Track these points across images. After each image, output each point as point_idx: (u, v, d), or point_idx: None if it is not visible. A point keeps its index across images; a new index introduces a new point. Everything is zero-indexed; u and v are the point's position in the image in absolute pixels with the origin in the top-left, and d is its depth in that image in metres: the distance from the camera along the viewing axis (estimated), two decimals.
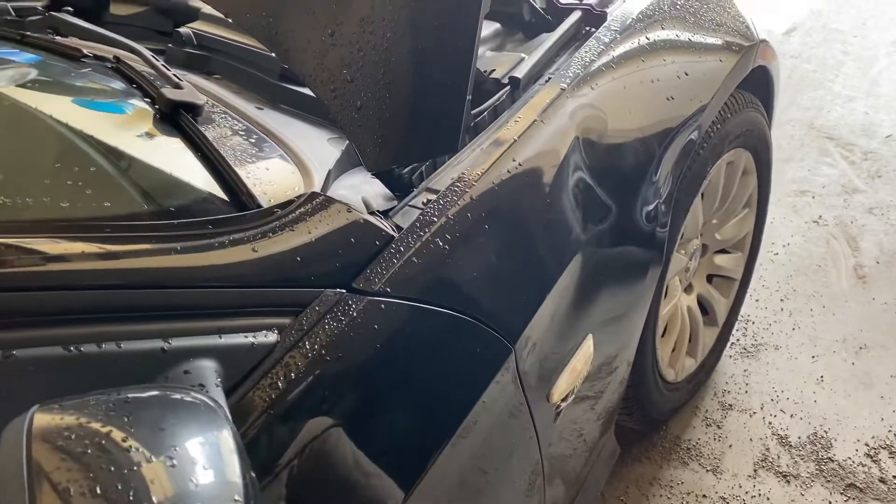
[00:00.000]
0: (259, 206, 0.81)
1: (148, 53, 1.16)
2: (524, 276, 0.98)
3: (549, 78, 1.15)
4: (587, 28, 1.29)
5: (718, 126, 1.42)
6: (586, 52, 1.18)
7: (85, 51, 1.17)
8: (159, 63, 1.12)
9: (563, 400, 1.08)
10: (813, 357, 1.90)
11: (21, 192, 0.73)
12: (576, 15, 1.28)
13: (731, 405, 1.82)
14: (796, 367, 1.88)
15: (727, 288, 1.84)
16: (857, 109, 2.64)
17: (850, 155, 2.47)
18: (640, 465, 1.71)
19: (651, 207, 1.21)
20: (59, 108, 0.98)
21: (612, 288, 1.17)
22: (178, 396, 0.54)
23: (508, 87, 1.13)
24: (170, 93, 0.99)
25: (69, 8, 1.49)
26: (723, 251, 1.81)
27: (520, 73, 1.13)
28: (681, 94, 1.27)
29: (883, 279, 2.05)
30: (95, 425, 0.47)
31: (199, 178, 0.85)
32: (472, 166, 0.96)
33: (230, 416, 0.59)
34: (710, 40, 1.40)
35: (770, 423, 1.76)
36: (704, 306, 1.80)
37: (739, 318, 1.96)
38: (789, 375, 1.86)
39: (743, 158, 1.64)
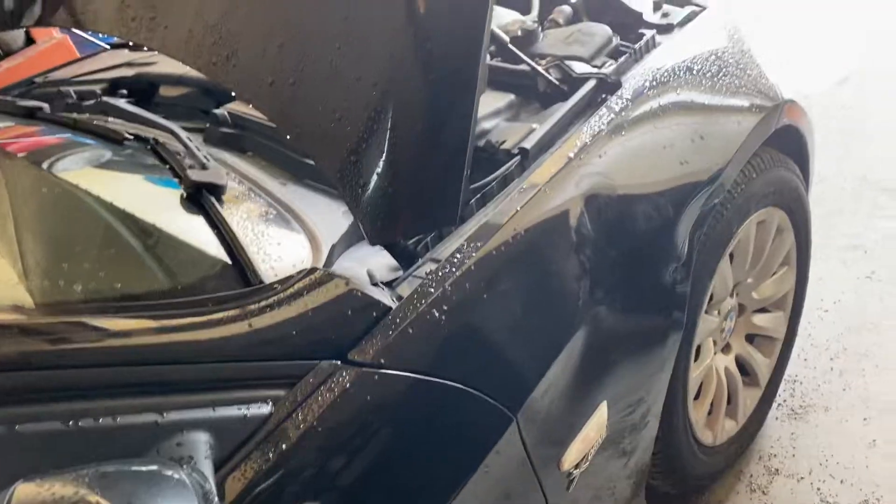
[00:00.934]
0: (262, 281, 0.86)
1: (184, 135, 1.25)
2: (526, 345, 0.99)
3: (559, 147, 1.18)
4: (602, 96, 1.32)
5: (742, 187, 1.42)
6: (596, 120, 1.21)
7: (127, 133, 1.27)
8: (192, 144, 1.21)
9: (575, 467, 1.08)
10: (864, 419, 1.81)
11: (35, 271, 0.80)
12: (590, 84, 1.31)
13: (777, 469, 1.75)
14: (847, 429, 1.80)
15: (769, 347, 1.80)
16: None
17: None
18: None
19: (667, 272, 1.21)
20: (93, 187, 1.06)
21: (626, 354, 1.17)
22: (153, 469, 0.58)
23: (518, 157, 1.17)
24: (195, 174, 1.07)
25: (124, 91, 1.63)
26: (763, 310, 1.77)
27: (529, 143, 1.17)
28: (695, 157, 1.28)
29: None
30: (69, 498, 0.51)
31: (211, 256, 0.91)
32: (474, 237, 0.99)
33: (214, 489, 0.63)
34: (728, 102, 1.41)
35: (819, 489, 1.69)
36: (745, 367, 1.76)
37: (786, 377, 1.90)
38: (839, 439, 1.78)
39: (776, 217, 1.62)
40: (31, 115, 1.50)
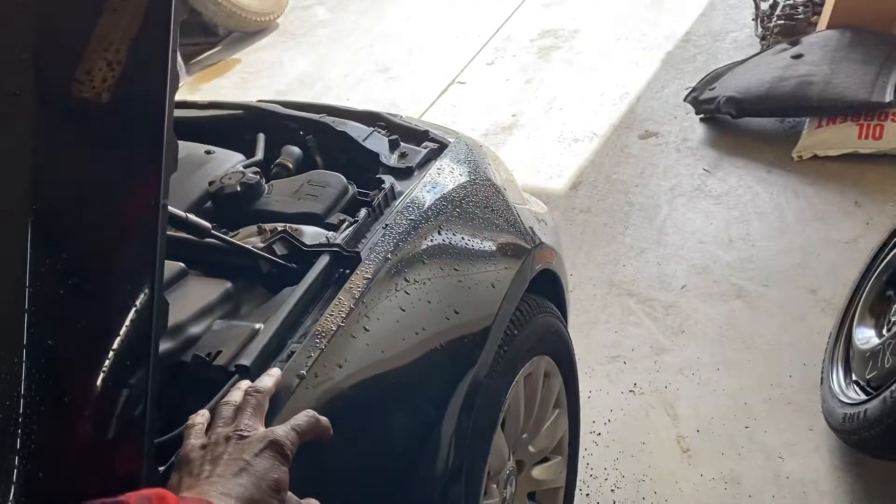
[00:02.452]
0: None
1: None
2: None
3: (291, 353, 0.93)
4: (341, 270, 1.10)
5: (506, 348, 1.27)
6: (333, 314, 0.99)
7: None
8: None
9: None
10: None
11: None
12: (324, 260, 1.09)
13: None
14: None
15: (552, 498, 1.67)
16: (650, 261, 2.69)
17: (652, 311, 2.46)
18: None
19: (439, 484, 1.01)
20: None
21: None
22: None
23: (236, 377, 0.90)
24: None
25: None
26: (543, 460, 1.64)
27: (249, 357, 0.91)
28: (454, 335, 1.11)
29: (705, 450, 1.98)
30: None
31: None
32: None
33: None
34: (482, 257, 1.27)
35: None
36: None
37: None
38: None
39: (542, 364, 1.50)
40: None
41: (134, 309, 0.72)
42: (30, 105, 0.72)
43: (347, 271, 1.08)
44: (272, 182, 1.36)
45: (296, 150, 1.49)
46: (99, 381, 0.69)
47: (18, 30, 0.75)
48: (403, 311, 1.06)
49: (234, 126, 1.58)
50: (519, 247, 1.39)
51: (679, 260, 2.68)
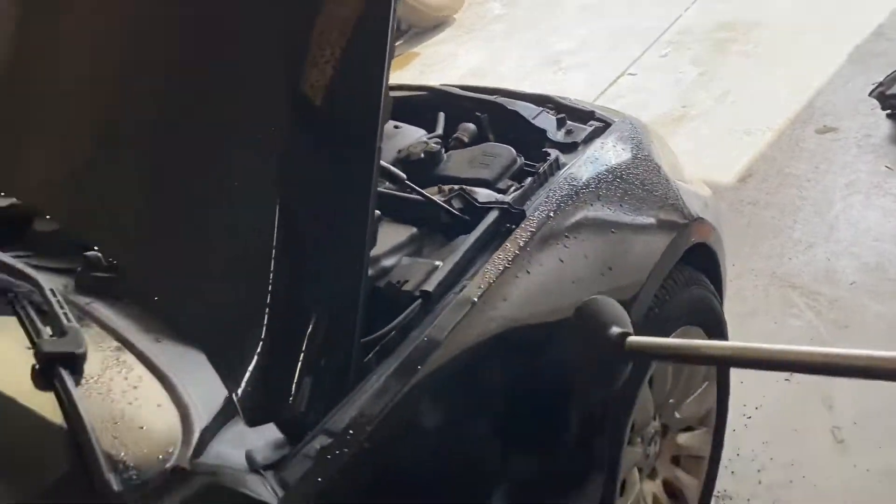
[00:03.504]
0: (112, 491, 0.73)
1: (47, 288, 1.12)
2: None
3: (464, 286, 1.10)
4: (507, 226, 1.26)
5: (657, 311, 1.37)
6: (501, 258, 1.15)
7: None
8: (55, 299, 1.08)
9: None
10: None
11: None
12: (493, 215, 1.25)
13: None
14: None
15: (696, 467, 1.73)
16: (818, 256, 2.62)
17: (815, 304, 2.42)
18: None
19: (583, 413, 1.13)
20: None
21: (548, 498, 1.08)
22: None
23: (420, 300, 1.08)
24: (48, 344, 0.93)
25: None
26: (687, 428, 1.71)
27: (431, 285, 1.09)
28: (607, 289, 1.22)
29: (862, 442, 1.94)
30: None
31: (55, 455, 0.78)
32: (375, 399, 0.89)
33: None
34: (636, 227, 1.37)
35: None
36: (673, 490, 1.68)
37: (715, 493, 1.84)
38: None
39: (692, 335, 1.58)
40: None
41: (349, 233, 0.91)
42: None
43: (514, 226, 1.23)
44: (450, 152, 1.54)
45: (471, 126, 1.67)
46: (322, 294, 0.88)
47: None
48: (562, 261, 1.19)
49: (418, 105, 1.77)
50: (675, 219, 1.47)
51: (850, 256, 2.59)
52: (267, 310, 0.84)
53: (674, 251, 1.42)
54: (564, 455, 1.13)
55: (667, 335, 1.44)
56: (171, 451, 0.83)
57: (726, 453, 1.86)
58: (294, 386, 0.86)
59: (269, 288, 0.84)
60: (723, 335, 1.71)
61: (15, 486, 0.75)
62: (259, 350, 0.84)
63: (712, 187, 2.86)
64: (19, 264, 1.20)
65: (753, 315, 2.42)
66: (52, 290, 1.11)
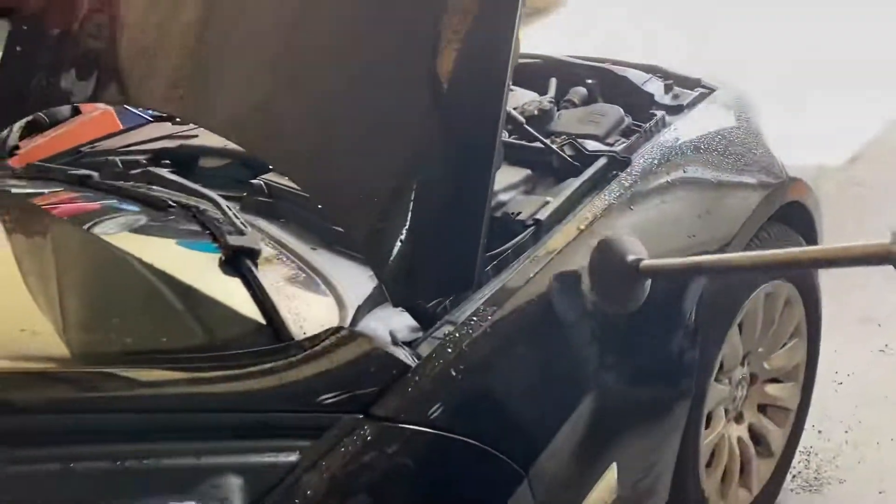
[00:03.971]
0: (292, 338, 0.94)
1: (223, 203, 1.35)
2: (538, 405, 1.05)
3: (571, 219, 1.26)
4: (613, 172, 1.40)
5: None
6: (607, 194, 1.29)
7: (170, 200, 1.37)
8: (231, 211, 1.31)
9: None
10: (880, 492, 1.82)
11: (87, 326, 0.89)
12: (601, 161, 1.40)
13: None
14: (862, 503, 1.80)
15: (782, 418, 1.82)
16: None
17: None
18: None
19: (675, 340, 1.27)
20: (139, 251, 1.15)
21: (635, 418, 1.22)
22: None
23: (532, 228, 1.24)
24: (233, 239, 1.16)
25: (167, 161, 1.74)
26: (775, 380, 1.80)
27: (543, 215, 1.25)
28: (702, 231, 1.35)
29: None
30: None
31: (246, 315, 0.99)
32: (490, 301, 1.06)
33: None
34: (734, 179, 1.48)
35: None
36: (758, 436, 1.78)
37: (801, 449, 1.92)
38: None
39: (784, 291, 1.67)
40: (81, 182, 1.62)
41: (481, 153, 1.07)
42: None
43: (619, 173, 1.38)
44: (560, 112, 1.69)
45: (582, 90, 1.80)
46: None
47: None
48: (663, 203, 1.33)
49: (531, 72, 1.92)
50: (771, 177, 1.57)
51: None
52: (411, 214, 1.02)
53: (768, 205, 1.52)
54: (656, 375, 1.27)
55: (755, 287, 1.54)
56: (330, 321, 1.03)
57: (815, 414, 1.93)
58: (429, 280, 1.04)
59: (415, 195, 1.02)
60: (815, 296, 1.78)
61: (210, 343, 0.96)
62: (403, 247, 1.03)
63: (819, 169, 2.89)
64: (198, 186, 1.44)
65: (852, 289, 2.45)
66: (227, 206, 1.34)
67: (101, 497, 0.69)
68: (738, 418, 1.73)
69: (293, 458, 0.81)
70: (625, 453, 1.19)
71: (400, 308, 1.10)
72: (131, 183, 1.54)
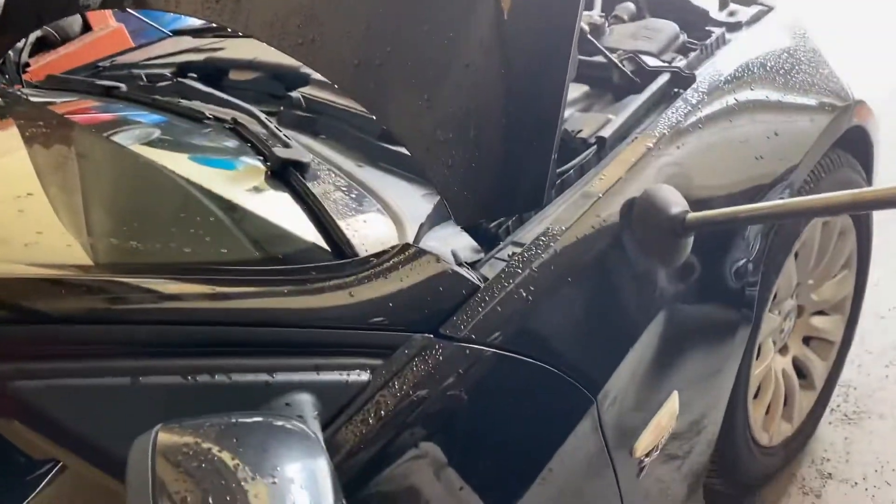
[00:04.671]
0: (356, 255, 0.88)
1: (262, 115, 1.27)
2: (607, 329, 1.00)
3: (636, 137, 1.18)
4: (675, 90, 1.32)
5: (811, 186, 1.41)
6: (673, 112, 1.22)
7: (207, 113, 1.30)
8: (272, 124, 1.23)
9: (646, 455, 1.09)
10: None
11: (148, 238, 0.83)
12: (664, 77, 1.31)
13: (830, 474, 1.73)
14: None
15: (826, 351, 1.78)
16: None
17: None
18: None
19: (740, 266, 1.21)
20: (182, 163, 1.09)
21: (698, 345, 1.17)
22: (280, 424, 0.59)
23: (595, 146, 1.17)
24: (280, 151, 1.09)
25: (194, 74, 1.66)
26: (821, 313, 1.76)
27: (606, 132, 1.17)
28: (770, 153, 1.27)
29: None
30: (209, 445, 0.53)
31: (304, 228, 0.93)
32: (558, 221, 1.00)
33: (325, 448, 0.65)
34: (802, 100, 1.40)
35: (874, 495, 1.67)
36: (801, 369, 1.74)
37: (840, 383, 1.89)
38: (895, 446, 1.76)
39: (839, 219, 1.60)
40: (107, 93, 1.54)
41: (554, 69, 0.99)
42: None
43: (682, 90, 1.29)
44: (611, 26, 1.59)
45: (629, 4, 1.69)
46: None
47: None
48: (730, 121, 1.25)
49: None
50: (838, 99, 1.48)
51: None
52: (478, 126, 0.95)
53: (835, 129, 1.44)
54: (721, 302, 1.22)
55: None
56: (391, 238, 0.97)
57: (855, 348, 1.89)
58: (497, 197, 0.98)
59: (482, 104, 0.94)
60: (868, 227, 1.72)
61: (271, 257, 0.90)
62: (469, 162, 0.96)
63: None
64: (235, 99, 1.36)
65: (894, 222, 2.38)
66: (266, 118, 1.26)
67: (170, 412, 0.65)
68: (783, 350, 1.69)
69: (365, 377, 0.77)
70: (686, 381, 1.15)
71: (459, 228, 1.04)
72: (159, 97, 1.46)
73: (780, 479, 1.73)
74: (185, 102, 1.38)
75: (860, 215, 1.68)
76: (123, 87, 1.53)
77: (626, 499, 1.07)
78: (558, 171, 1.11)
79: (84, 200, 0.91)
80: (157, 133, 1.25)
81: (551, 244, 0.96)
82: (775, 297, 1.48)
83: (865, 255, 1.76)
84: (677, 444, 1.20)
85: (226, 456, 0.53)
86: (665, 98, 1.30)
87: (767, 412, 1.63)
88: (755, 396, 1.55)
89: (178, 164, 1.09)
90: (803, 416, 1.75)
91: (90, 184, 0.99)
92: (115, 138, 1.21)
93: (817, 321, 1.74)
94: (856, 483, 1.71)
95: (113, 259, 0.80)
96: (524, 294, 0.91)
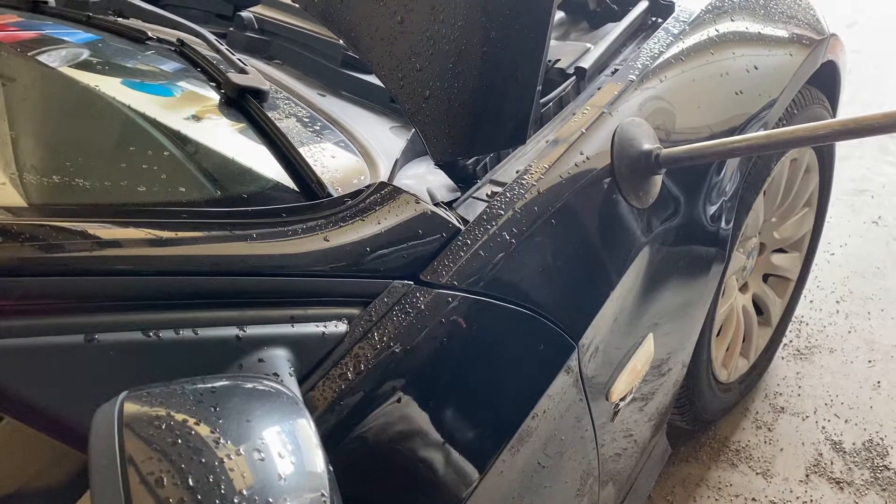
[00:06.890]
0: (329, 195, 0.81)
1: (212, 37, 1.16)
2: (590, 273, 0.96)
3: (617, 69, 1.12)
4: (654, 18, 1.26)
5: (785, 122, 1.38)
6: (655, 43, 1.15)
7: (149, 33, 1.17)
8: (223, 47, 1.12)
9: (621, 399, 1.07)
10: (870, 362, 1.84)
11: (91, 174, 0.73)
12: (643, 5, 1.25)
13: (782, 408, 1.77)
14: (852, 371, 1.83)
15: (782, 288, 1.80)
16: None
17: None
18: (687, 465, 1.68)
19: (717, 205, 1.18)
20: (123, 89, 0.98)
21: (675, 286, 1.15)
22: (259, 387, 0.53)
23: (574, 77, 1.11)
24: (236, 77, 0.98)
25: None
26: (780, 250, 1.76)
27: (586, 63, 1.11)
28: (750, 88, 1.23)
29: None
30: (183, 415, 0.47)
31: (267, 164, 0.85)
32: (539, 159, 0.94)
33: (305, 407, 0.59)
34: (781, 33, 1.35)
35: (823, 427, 1.72)
36: (759, 306, 1.76)
37: (793, 319, 1.92)
38: (844, 380, 1.81)
39: (807, 156, 1.59)
40: (33, 8, 1.38)
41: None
42: None
43: (661, 20, 1.23)
44: None
45: None
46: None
47: None
48: (712, 53, 1.19)
49: None
50: (814, 33, 1.44)
51: None
52: (458, 54, 0.87)
53: (811, 64, 1.41)
54: (697, 239, 1.18)
55: (785, 152, 1.45)
56: (363, 176, 0.90)
57: (807, 284, 1.92)
58: (478, 132, 0.91)
59: (462, 31, 0.86)
60: (831, 164, 1.71)
61: (232, 197, 0.82)
62: (449, 94, 0.88)
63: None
64: (180, 18, 1.24)
65: (847, 159, 2.41)
66: (217, 40, 1.15)
67: (135, 371, 0.58)
68: (744, 288, 1.70)
69: (342, 327, 0.71)
70: (661, 324, 1.12)
71: (434, 166, 0.97)
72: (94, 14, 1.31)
73: (735, 413, 1.77)
74: (122, 21, 1.25)
75: (824, 153, 1.67)
76: (51, 1, 1.38)
77: (598, 445, 1.05)
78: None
79: (12, 132, 0.80)
80: (91, 54, 1.13)
81: (534, 184, 0.90)
82: (742, 234, 1.47)
83: (826, 192, 1.76)
84: (647, 386, 1.18)
85: (203, 429, 0.46)
86: (643, 27, 1.24)
87: (727, 349, 1.64)
88: (717, 334, 1.56)
89: (119, 89, 0.97)
90: (759, 352, 1.77)
91: (20, 112, 0.88)
92: (45, 59, 1.08)
93: (777, 259, 1.74)
94: (806, 416, 1.75)
95: (51, 199, 0.70)
96: (507, 237, 0.85)
